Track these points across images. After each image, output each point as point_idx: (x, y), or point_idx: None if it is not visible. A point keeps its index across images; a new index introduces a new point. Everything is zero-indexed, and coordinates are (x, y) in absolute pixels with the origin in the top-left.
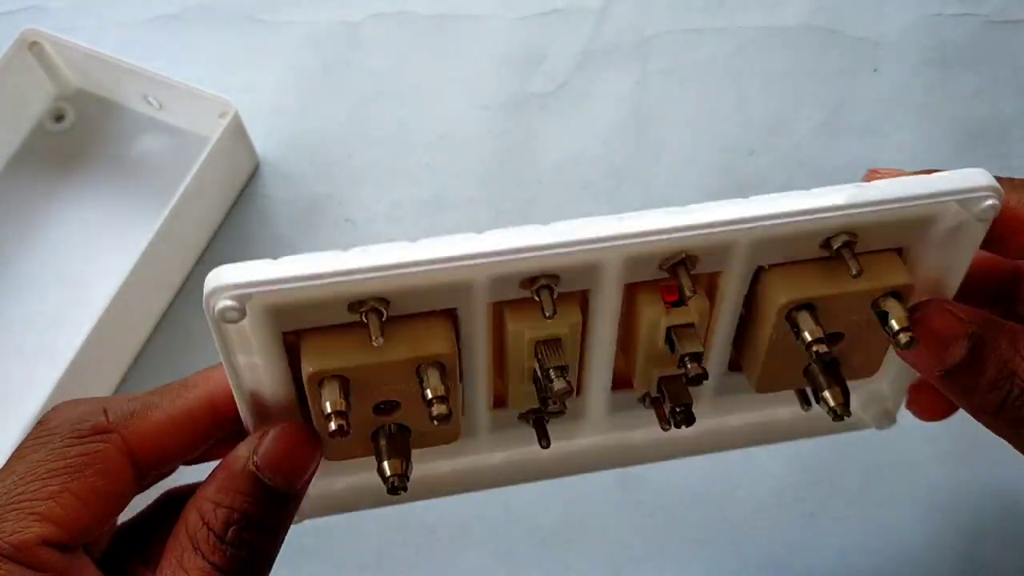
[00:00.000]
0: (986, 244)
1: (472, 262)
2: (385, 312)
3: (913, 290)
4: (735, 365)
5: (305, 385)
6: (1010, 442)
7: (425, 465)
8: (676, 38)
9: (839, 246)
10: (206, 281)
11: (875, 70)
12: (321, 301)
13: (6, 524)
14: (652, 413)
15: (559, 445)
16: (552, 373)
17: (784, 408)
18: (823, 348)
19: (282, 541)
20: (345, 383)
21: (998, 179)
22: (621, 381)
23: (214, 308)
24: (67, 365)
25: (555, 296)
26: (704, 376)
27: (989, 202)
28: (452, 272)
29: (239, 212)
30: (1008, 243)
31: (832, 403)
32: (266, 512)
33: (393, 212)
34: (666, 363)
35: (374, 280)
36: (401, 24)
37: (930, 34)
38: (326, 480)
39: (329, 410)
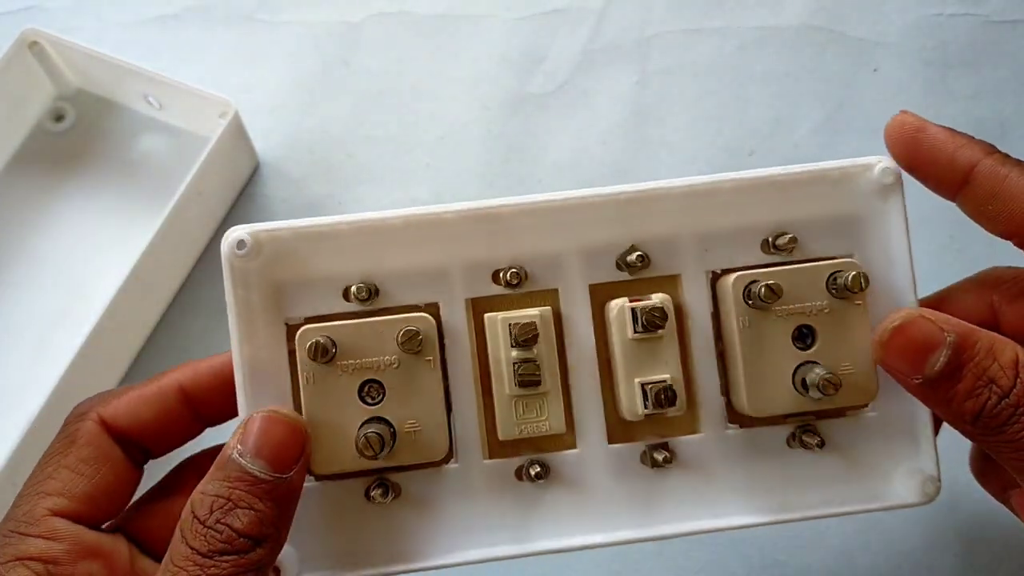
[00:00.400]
0: (979, 219)
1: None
2: (372, 295)
3: (859, 267)
4: (738, 420)
5: (296, 340)
6: (988, 451)
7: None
8: (676, 38)
9: (778, 241)
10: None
11: (875, 70)
12: (316, 276)
13: (19, 508)
14: (654, 476)
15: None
16: (527, 347)
17: (814, 484)
18: (775, 285)
19: (280, 532)
20: (331, 343)
21: (1002, 155)
22: (618, 434)
23: (229, 241)
24: (67, 365)
25: (524, 277)
26: (673, 395)
27: (881, 166)
28: (429, 246)
29: (239, 212)
30: (997, 211)
31: (819, 377)
32: (251, 497)
33: None
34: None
35: (361, 236)
36: (401, 24)
37: (930, 34)
38: None
39: (312, 343)
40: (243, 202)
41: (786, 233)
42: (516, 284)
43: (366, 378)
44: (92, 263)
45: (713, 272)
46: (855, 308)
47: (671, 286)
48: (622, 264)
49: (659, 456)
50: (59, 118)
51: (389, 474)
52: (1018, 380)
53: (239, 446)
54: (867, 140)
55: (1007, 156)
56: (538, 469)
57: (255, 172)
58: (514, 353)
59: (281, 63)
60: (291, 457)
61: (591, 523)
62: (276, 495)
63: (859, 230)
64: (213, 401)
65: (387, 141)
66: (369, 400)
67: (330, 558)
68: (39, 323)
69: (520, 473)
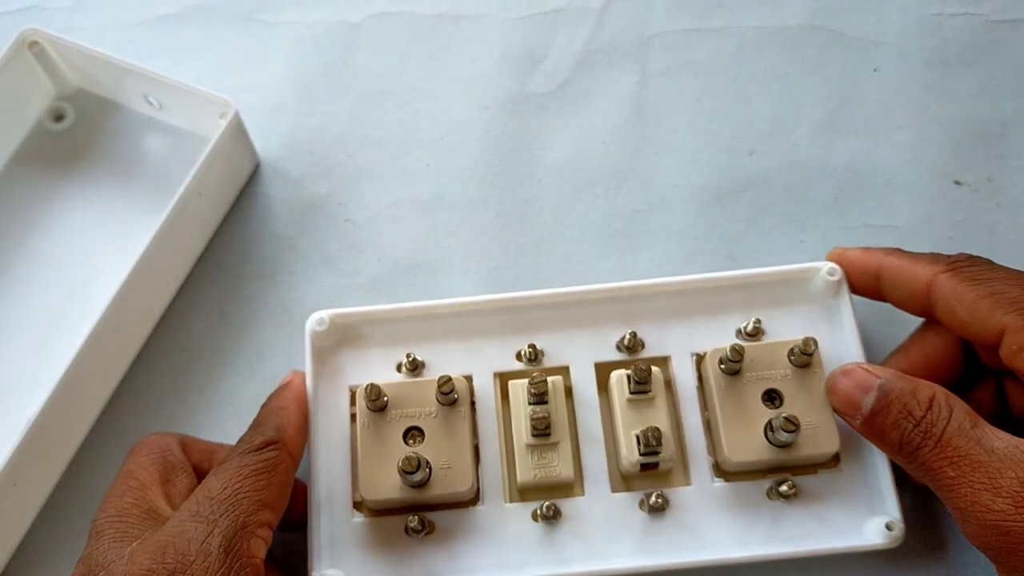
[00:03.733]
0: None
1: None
2: (418, 367)
3: (816, 342)
4: (723, 475)
5: (357, 392)
6: (914, 476)
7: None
8: (676, 38)
9: (748, 328)
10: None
11: (875, 70)
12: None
13: (240, 508)
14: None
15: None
16: (541, 403)
17: (790, 522)
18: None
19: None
20: (383, 395)
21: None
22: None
23: (312, 321)
24: (68, 365)
25: (541, 355)
26: (659, 436)
27: (827, 268)
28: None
29: (239, 212)
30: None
31: (781, 419)
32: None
33: (393, 212)
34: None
35: (411, 320)
36: (401, 24)
37: (930, 34)
38: None
39: (369, 386)
40: (243, 202)
41: (757, 321)
42: (534, 359)
43: (409, 425)
44: (92, 263)
45: (697, 354)
46: (813, 374)
47: (663, 365)
48: (621, 346)
49: (654, 502)
50: (59, 118)
51: (424, 513)
52: (929, 412)
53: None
54: (867, 140)
55: (957, 267)
56: (552, 511)
57: (255, 172)
58: (530, 408)
59: (281, 63)
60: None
61: (596, 556)
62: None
63: (816, 318)
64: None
65: (387, 141)
66: (411, 442)
67: None
68: (39, 323)
69: (535, 515)
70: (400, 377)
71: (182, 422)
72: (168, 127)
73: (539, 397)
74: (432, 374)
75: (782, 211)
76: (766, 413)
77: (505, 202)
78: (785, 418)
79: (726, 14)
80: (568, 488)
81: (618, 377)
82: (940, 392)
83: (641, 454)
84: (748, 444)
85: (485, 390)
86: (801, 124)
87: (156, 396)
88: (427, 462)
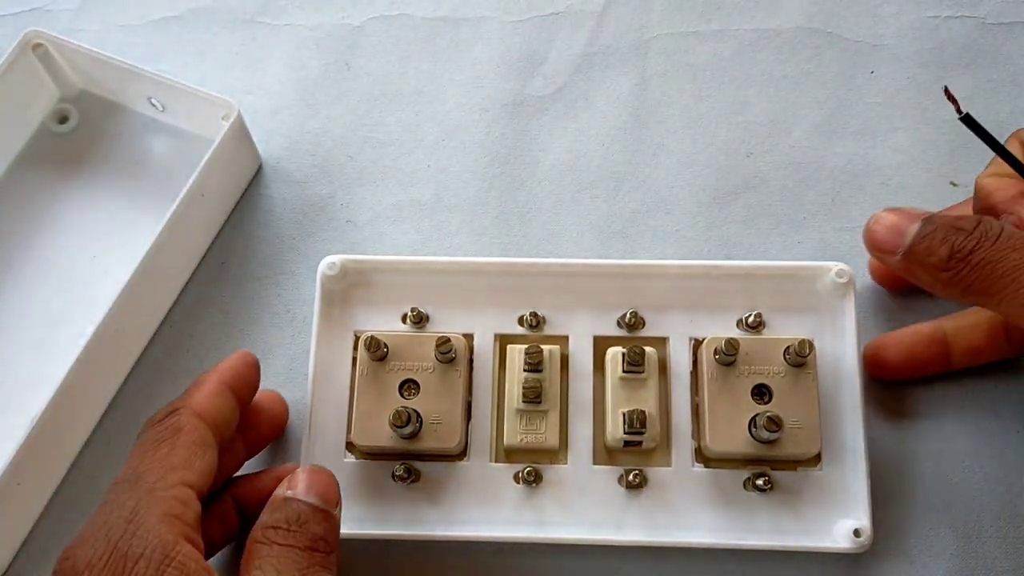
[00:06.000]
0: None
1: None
2: (423, 320)
3: (813, 346)
4: (703, 460)
5: (360, 340)
6: (959, 294)
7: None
8: (675, 40)
9: (750, 320)
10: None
11: (872, 72)
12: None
13: (144, 480)
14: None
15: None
16: (535, 371)
17: (761, 513)
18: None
19: (330, 549)
20: (384, 345)
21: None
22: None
23: (324, 264)
24: (72, 364)
25: (542, 322)
26: (643, 419)
27: (837, 269)
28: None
29: (242, 213)
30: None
31: (764, 417)
32: (301, 524)
33: (394, 213)
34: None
35: (420, 273)
36: (402, 26)
37: (927, 36)
38: None
39: (370, 337)
40: (246, 203)
41: (758, 314)
42: (535, 326)
43: (406, 377)
44: (95, 264)
45: (695, 339)
46: (807, 375)
47: (660, 345)
48: (622, 323)
49: (632, 479)
50: (63, 120)
51: (412, 461)
52: (980, 224)
53: (289, 490)
54: (864, 142)
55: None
56: (533, 475)
57: (258, 173)
58: (524, 375)
59: (283, 65)
60: (334, 496)
61: (571, 523)
62: (326, 522)
63: (818, 318)
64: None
65: (388, 143)
66: (406, 394)
67: (360, 520)
68: (43, 324)
69: (518, 477)
70: (404, 328)
71: None
72: (171, 129)
73: (534, 366)
74: (436, 328)
75: (779, 212)
76: (753, 407)
77: (505, 203)
78: (769, 417)
79: (724, 17)
80: (552, 454)
81: (613, 354)
82: (986, 217)
83: (625, 433)
84: (731, 436)
85: (485, 349)
86: (798, 126)
87: (159, 396)
88: (418, 416)
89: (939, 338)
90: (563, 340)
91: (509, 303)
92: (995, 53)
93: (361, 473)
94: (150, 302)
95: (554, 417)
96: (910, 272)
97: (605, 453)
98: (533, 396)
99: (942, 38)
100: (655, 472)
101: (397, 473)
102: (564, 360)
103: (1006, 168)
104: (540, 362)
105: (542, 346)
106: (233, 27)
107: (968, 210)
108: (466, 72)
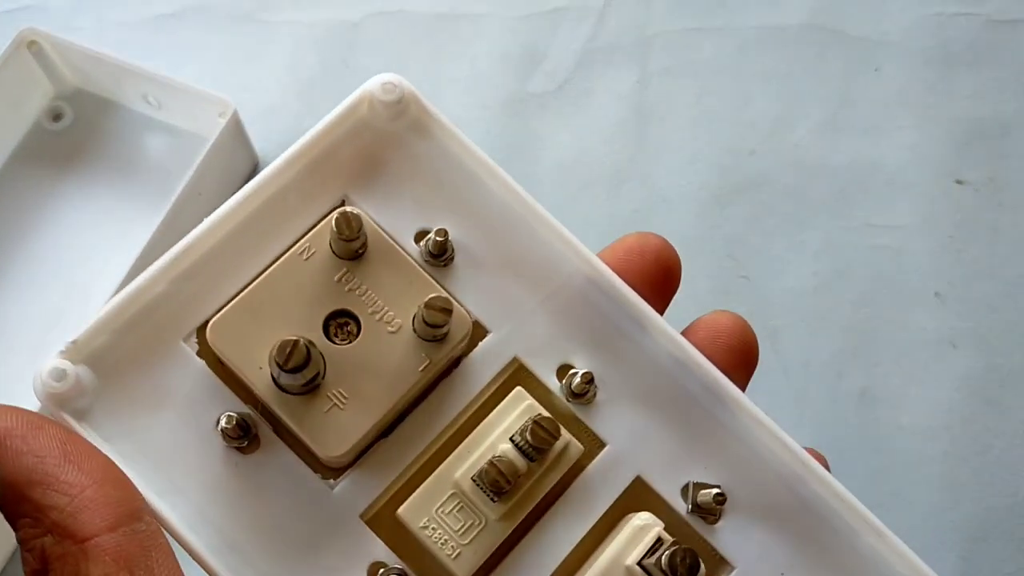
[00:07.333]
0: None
1: None
2: (442, 255)
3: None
4: None
5: (337, 211)
6: None
7: None
8: (677, 37)
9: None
10: None
11: (876, 70)
12: None
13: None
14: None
15: None
16: (528, 457)
17: None
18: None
19: None
20: (362, 245)
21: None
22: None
23: (381, 80)
24: None
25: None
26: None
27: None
28: None
29: None
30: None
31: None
32: None
33: None
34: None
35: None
36: (400, 23)
37: (931, 33)
38: None
39: (345, 214)
40: None
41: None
42: (583, 395)
43: (353, 310)
44: (91, 262)
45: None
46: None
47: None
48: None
49: None
50: (57, 117)
51: (263, 428)
52: None
53: None
54: (868, 139)
55: None
56: None
57: (254, 171)
58: (506, 447)
59: (280, 63)
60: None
61: None
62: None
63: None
64: None
65: None
66: (332, 332)
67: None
68: (37, 323)
69: (372, 571)
70: (412, 251)
71: None
72: (167, 127)
73: (532, 447)
74: (458, 280)
75: (783, 211)
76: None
77: None
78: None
79: (727, 13)
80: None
81: (633, 530)
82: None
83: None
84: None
85: (488, 361)
86: (802, 124)
87: None
88: (322, 370)
89: None
90: (598, 446)
91: (556, 340)
92: (1000, 50)
93: (184, 387)
94: None
95: (491, 539)
96: None
97: None
98: (493, 488)
99: (947, 35)
100: None
101: (226, 426)
102: (578, 467)
103: None
104: (547, 450)
105: (563, 430)
106: (229, 24)
107: None
108: (466, 69)
